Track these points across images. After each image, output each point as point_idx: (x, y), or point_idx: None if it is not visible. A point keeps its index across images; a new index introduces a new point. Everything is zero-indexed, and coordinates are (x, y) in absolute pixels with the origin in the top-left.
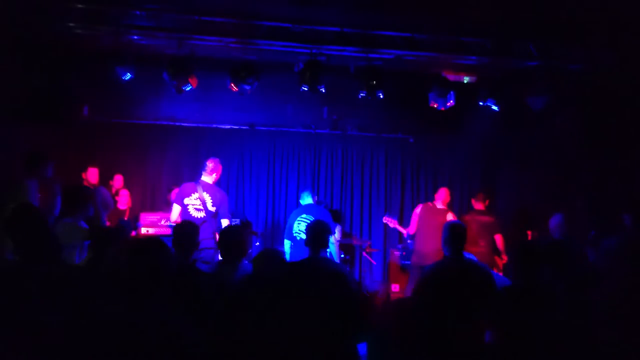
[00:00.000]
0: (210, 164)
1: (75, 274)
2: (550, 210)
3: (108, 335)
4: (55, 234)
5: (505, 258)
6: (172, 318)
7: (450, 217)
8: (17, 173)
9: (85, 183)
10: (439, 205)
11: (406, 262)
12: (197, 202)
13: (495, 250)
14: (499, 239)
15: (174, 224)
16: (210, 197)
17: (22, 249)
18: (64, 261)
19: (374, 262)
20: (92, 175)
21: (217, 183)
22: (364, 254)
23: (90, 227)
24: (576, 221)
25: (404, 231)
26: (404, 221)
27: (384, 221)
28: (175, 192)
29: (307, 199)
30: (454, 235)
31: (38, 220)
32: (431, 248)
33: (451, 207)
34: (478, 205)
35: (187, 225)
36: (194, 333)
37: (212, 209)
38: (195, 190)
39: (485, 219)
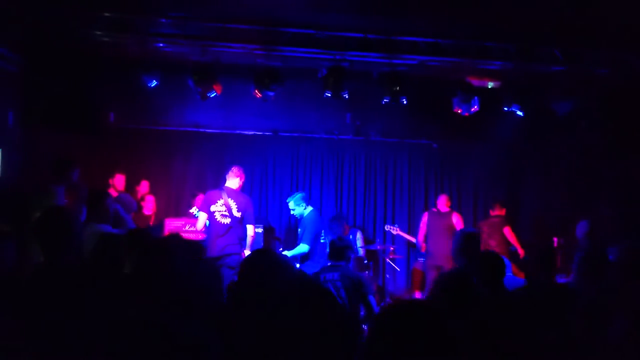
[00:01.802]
0: (234, 170)
1: (98, 276)
2: (576, 217)
3: (128, 337)
4: (81, 239)
5: (521, 251)
6: (186, 320)
7: (455, 218)
8: (45, 179)
9: (112, 189)
10: (443, 209)
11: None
12: (222, 209)
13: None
14: (507, 231)
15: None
16: (235, 203)
17: (50, 253)
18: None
19: (398, 269)
20: (118, 182)
21: (241, 189)
22: (387, 260)
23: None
24: (603, 227)
25: (410, 238)
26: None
27: (386, 229)
28: (199, 198)
29: (309, 207)
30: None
31: (67, 224)
32: (441, 249)
33: (467, 212)
34: (494, 213)
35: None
36: (208, 336)
37: (237, 214)
38: (220, 197)
39: (495, 219)
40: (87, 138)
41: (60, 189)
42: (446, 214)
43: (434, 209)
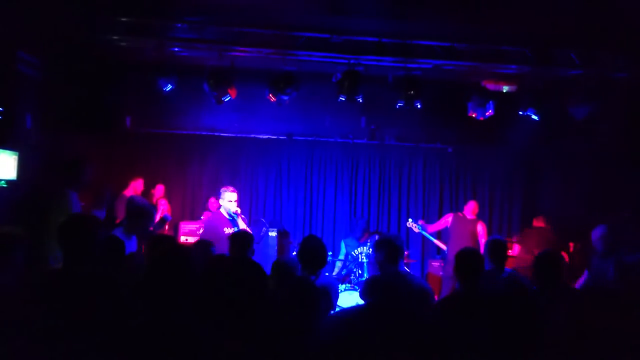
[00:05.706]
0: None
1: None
2: (594, 221)
3: (138, 341)
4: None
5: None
6: (199, 325)
7: (480, 227)
8: (60, 182)
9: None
10: (469, 215)
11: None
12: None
13: None
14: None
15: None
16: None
17: (69, 257)
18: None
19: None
20: (138, 185)
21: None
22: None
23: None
24: (622, 233)
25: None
26: (440, 233)
27: (408, 225)
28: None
29: None
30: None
31: (90, 231)
32: None
33: (483, 217)
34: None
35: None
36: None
37: None
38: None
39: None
40: (104, 142)
41: (74, 192)
42: (472, 221)
43: (460, 214)
